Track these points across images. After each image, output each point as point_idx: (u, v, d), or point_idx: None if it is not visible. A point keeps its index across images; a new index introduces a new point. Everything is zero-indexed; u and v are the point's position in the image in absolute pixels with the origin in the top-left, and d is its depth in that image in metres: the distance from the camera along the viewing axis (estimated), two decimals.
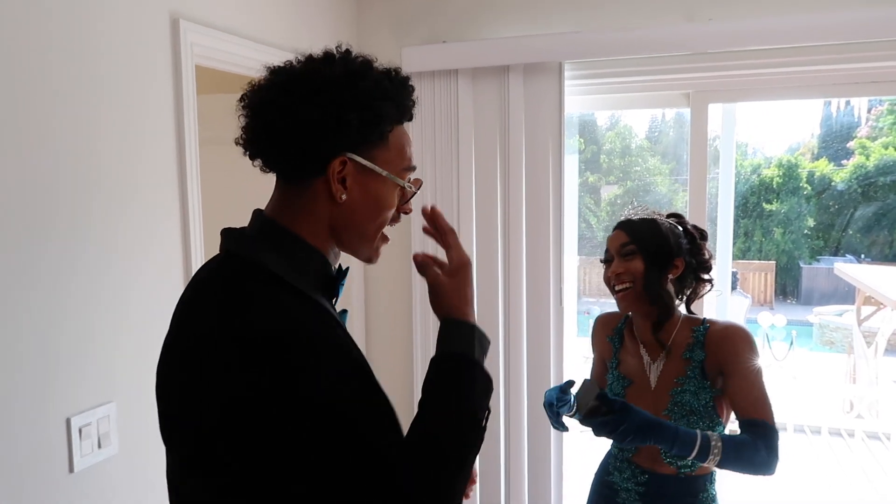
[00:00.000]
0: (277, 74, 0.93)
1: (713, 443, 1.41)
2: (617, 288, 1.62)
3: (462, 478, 0.90)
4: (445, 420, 0.90)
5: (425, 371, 0.96)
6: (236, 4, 1.96)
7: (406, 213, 1.04)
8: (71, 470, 1.46)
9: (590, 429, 1.44)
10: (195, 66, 1.81)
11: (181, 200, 1.76)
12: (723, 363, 1.54)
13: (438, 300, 1.01)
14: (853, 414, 5.35)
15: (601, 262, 1.70)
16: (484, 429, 0.94)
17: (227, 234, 0.97)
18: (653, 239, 1.61)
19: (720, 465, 1.45)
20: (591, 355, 1.85)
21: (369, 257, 1.03)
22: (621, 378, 1.68)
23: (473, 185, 2.40)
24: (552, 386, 1.81)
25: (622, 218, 1.69)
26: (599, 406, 1.39)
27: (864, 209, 12.59)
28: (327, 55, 0.94)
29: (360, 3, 2.55)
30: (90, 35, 1.50)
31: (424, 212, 1.04)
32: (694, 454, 1.41)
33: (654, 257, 1.60)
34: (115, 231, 1.57)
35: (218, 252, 0.99)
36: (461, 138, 2.38)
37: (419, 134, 2.43)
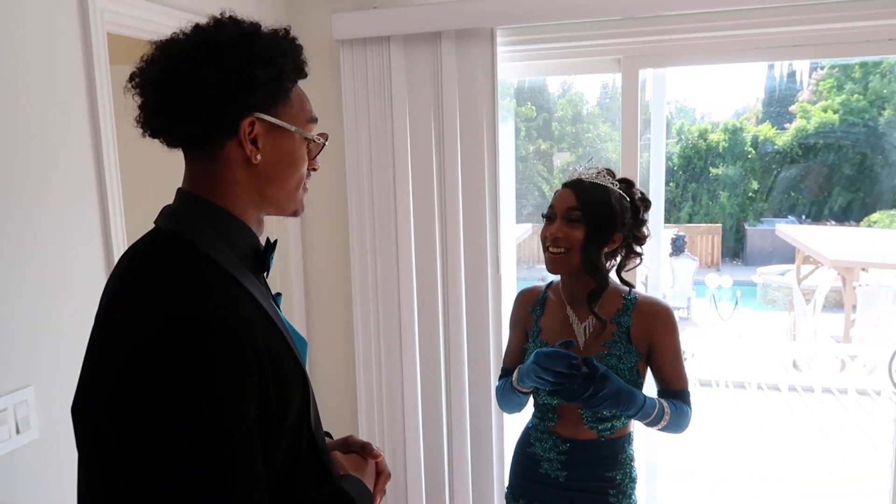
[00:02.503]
0: (170, 46, 0.91)
1: (666, 411, 1.57)
2: (552, 249, 1.61)
3: None
4: None
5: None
6: None
7: (314, 170, 1.04)
8: None
9: (557, 393, 1.49)
10: (107, 35, 1.73)
11: (98, 176, 1.69)
12: (651, 338, 1.63)
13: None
14: (791, 368, 5.59)
15: (542, 216, 1.66)
16: None
17: (161, 212, 0.96)
18: (601, 210, 1.59)
19: (663, 429, 1.60)
20: (509, 332, 1.84)
21: (295, 210, 1.04)
22: (543, 345, 1.68)
23: (409, 153, 2.38)
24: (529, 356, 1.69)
25: (574, 176, 1.65)
26: (579, 370, 1.46)
27: (804, 171, 13.00)
28: (216, 20, 0.92)
29: None
30: None
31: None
32: (650, 419, 1.55)
33: (596, 229, 1.59)
34: (30, 211, 1.50)
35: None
36: (395, 106, 2.35)
37: (352, 101, 2.39)
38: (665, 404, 1.58)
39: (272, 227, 2.55)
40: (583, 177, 1.64)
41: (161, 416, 0.76)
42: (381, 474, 1.11)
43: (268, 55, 0.91)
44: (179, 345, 0.78)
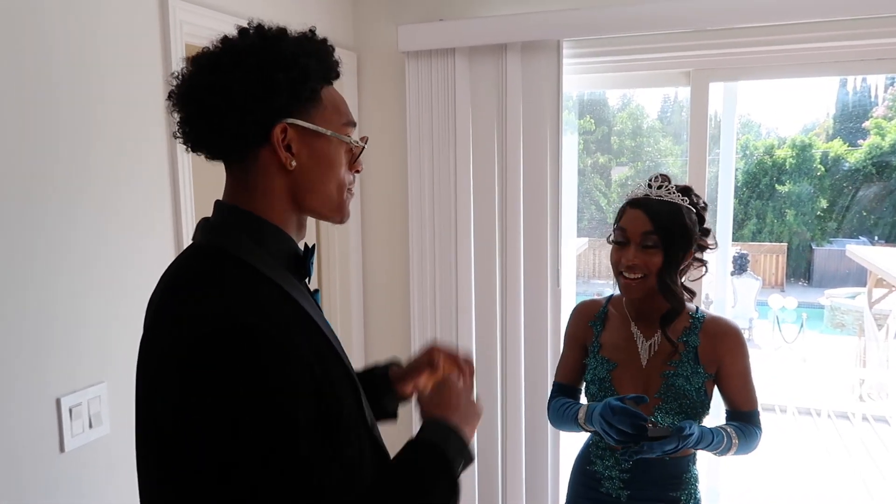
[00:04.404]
0: (199, 59, 0.93)
1: (734, 441, 1.52)
2: (627, 275, 1.55)
3: None
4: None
5: None
6: None
7: (357, 172, 1.02)
8: (62, 450, 1.47)
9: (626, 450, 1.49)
10: (186, 45, 1.80)
11: (172, 181, 1.75)
12: (720, 360, 1.59)
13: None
14: (863, 396, 5.32)
15: (610, 241, 1.59)
16: None
17: (198, 225, 0.98)
18: (676, 231, 1.52)
19: (734, 454, 1.55)
20: (563, 346, 1.78)
21: (340, 217, 1.01)
22: (605, 362, 1.65)
23: (471, 165, 2.38)
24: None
25: (640, 193, 1.57)
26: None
27: (879, 190, 12.43)
28: (241, 30, 0.94)
29: None
30: (75, 15, 1.48)
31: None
32: (718, 451, 1.51)
33: (673, 252, 1.52)
34: (107, 212, 1.57)
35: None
36: (458, 118, 2.35)
37: (416, 112, 2.41)
38: (732, 434, 1.53)
39: (332, 235, 2.59)
40: (650, 194, 1.56)
41: (218, 431, 0.78)
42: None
43: (290, 57, 0.90)
44: (227, 356, 0.78)
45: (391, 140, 2.54)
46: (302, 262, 0.98)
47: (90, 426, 1.53)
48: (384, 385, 1.20)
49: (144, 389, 0.89)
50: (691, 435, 1.43)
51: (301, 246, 1.00)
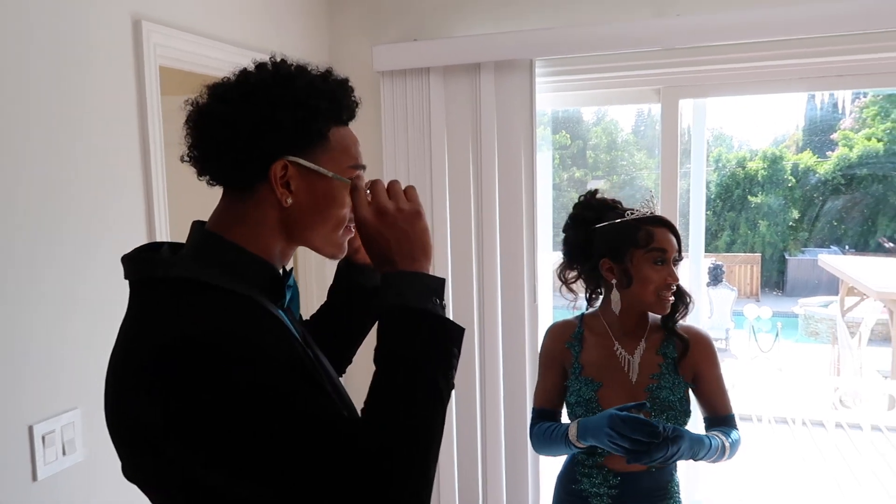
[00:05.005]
0: (213, 88, 0.93)
1: (726, 446, 1.54)
2: (668, 294, 1.57)
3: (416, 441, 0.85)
4: (386, 377, 0.90)
5: None
6: (201, 5, 1.94)
7: None
8: (34, 478, 1.45)
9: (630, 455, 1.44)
10: (160, 68, 1.80)
11: (147, 204, 1.74)
12: (696, 367, 1.64)
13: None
14: (835, 404, 5.40)
15: (655, 262, 1.56)
16: (435, 383, 0.88)
17: (147, 261, 0.95)
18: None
19: (726, 459, 1.56)
20: (540, 370, 1.74)
21: (332, 254, 1.02)
22: (590, 382, 1.63)
23: (446, 183, 2.40)
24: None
25: (646, 212, 1.61)
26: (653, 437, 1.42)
27: (848, 200, 12.70)
28: (259, 63, 0.94)
29: (332, 1, 2.54)
30: (48, 38, 1.48)
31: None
32: (713, 458, 1.53)
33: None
34: (81, 236, 1.56)
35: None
36: (433, 137, 2.37)
37: (392, 131, 2.42)
38: (723, 439, 1.55)
39: (309, 257, 2.58)
40: (653, 211, 1.62)
41: (223, 423, 0.79)
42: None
43: (300, 97, 0.90)
44: (203, 352, 0.79)
45: (366, 159, 2.54)
46: (279, 285, 0.97)
47: (63, 453, 1.51)
48: (350, 270, 1.22)
49: (121, 410, 0.88)
50: (679, 437, 1.43)
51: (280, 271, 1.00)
